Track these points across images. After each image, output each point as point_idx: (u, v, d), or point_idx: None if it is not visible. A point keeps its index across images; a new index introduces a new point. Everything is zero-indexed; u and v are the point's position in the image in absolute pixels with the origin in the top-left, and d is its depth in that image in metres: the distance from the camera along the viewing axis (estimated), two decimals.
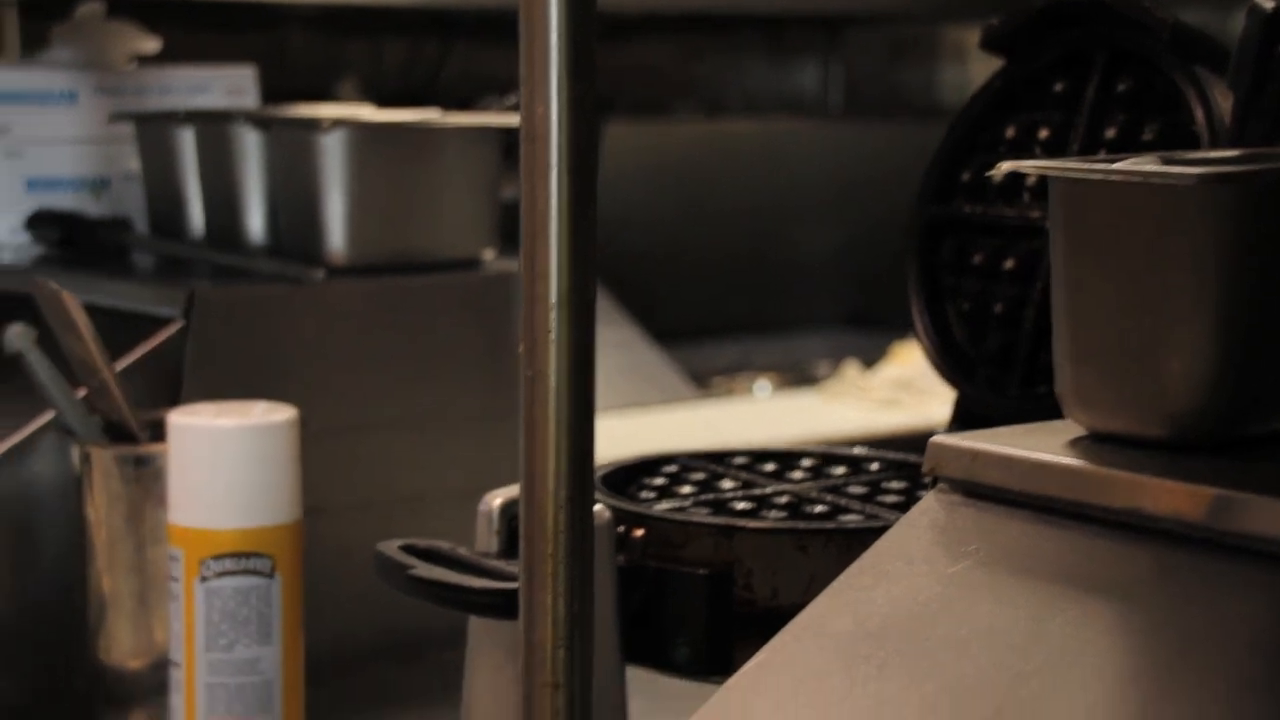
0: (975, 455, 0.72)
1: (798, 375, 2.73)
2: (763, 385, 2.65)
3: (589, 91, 0.62)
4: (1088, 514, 0.68)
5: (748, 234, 2.96)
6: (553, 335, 0.64)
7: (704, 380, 2.61)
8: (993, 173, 0.71)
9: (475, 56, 2.62)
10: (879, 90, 3.16)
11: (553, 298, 0.64)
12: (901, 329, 2.71)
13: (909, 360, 2.46)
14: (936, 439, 0.73)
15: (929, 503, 0.73)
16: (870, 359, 2.48)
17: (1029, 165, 0.72)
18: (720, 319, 2.90)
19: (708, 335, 2.83)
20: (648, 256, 2.76)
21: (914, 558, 0.70)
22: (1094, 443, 0.71)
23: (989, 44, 1.01)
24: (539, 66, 0.62)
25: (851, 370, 2.42)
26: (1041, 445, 0.71)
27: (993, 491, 0.71)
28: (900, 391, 2.30)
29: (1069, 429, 0.73)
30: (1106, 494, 0.68)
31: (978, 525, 0.70)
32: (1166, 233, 0.68)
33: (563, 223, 0.63)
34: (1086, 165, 0.69)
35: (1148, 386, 0.69)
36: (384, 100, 1.69)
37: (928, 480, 0.74)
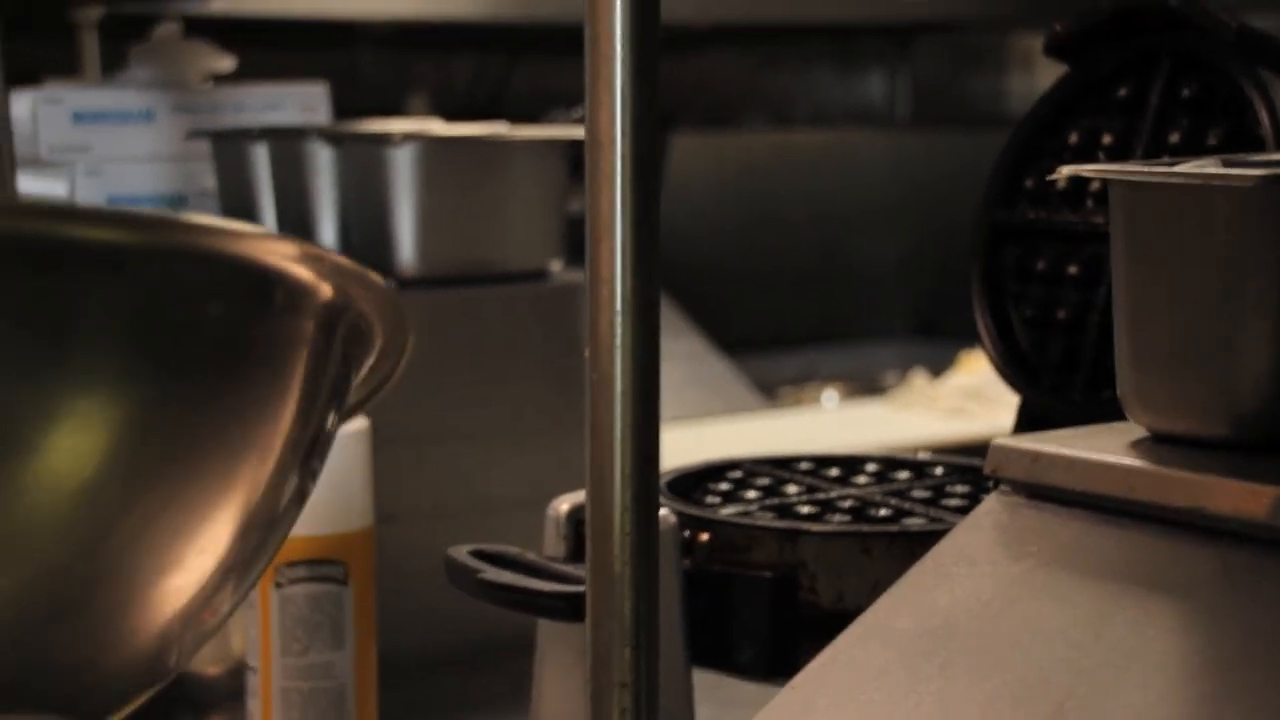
0: (1037, 457, 0.72)
1: (865, 385, 2.73)
2: (830, 395, 2.65)
3: (652, 98, 0.63)
4: (1149, 514, 0.69)
5: (816, 244, 2.96)
6: (617, 339, 0.65)
7: (771, 390, 2.62)
8: (1054, 177, 0.72)
9: (542, 70, 2.64)
10: (947, 99, 3.15)
11: (617, 303, 0.65)
12: (969, 338, 2.68)
13: (977, 369, 2.46)
14: (998, 441, 0.74)
15: (991, 504, 0.73)
16: (938, 368, 2.48)
17: (1089, 169, 0.73)
18: (788, 329, 2.91)
19: (775, 345, 2.83)
20: (715, 267, 2.77)
21: (976, 558, 0.71)
22: (1155, 443, 0.72)
23: (1053, 50, 1.01)
24: (603, 74, 0.63)
25: (919, 379, 2.41)
26: (1103, 446, 0.71)
27: (1054, 492, 0.72)
28: (968, 400, 2.30)
29: (1130, 430, 0.73)
30: (1168, 494, 0.68)
31: (1039, 526, 0.71)
32: (1229, 235, 0.68)
33: (626, 227, 0.64)
34: (1147, 169, 0.70)
35: (1210, 387, 0.70)
36: (453, 115, 1.71)
37: (990, 482, 0.75)
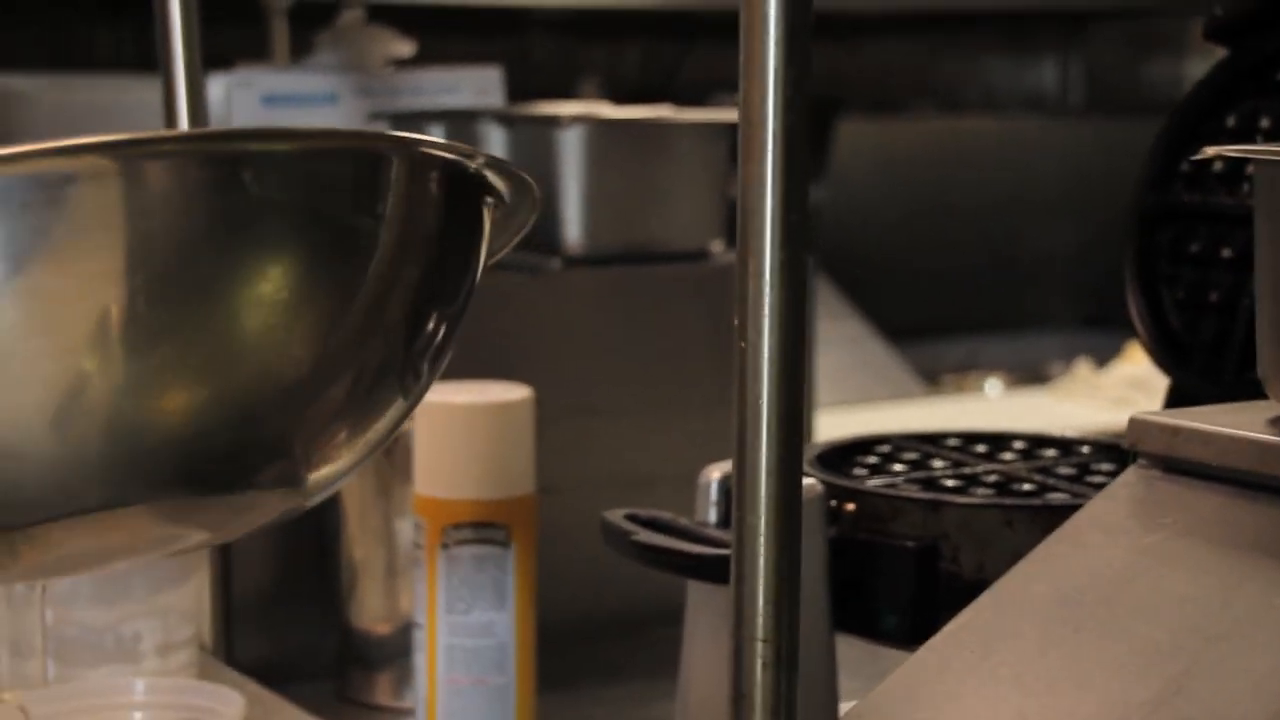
0: (1175, 431, 0.74)
1: (1030, 374, 2.72)
2: (993, 384, 2.65)
3: (800, 78, 0.66)
4: None
5: (982, 232, 2.95)
6: (766, 310, 0.68)
7: (934, 378, 2.62)
8: (1199, 158, 0.73)
9: (712, 56, 2.67)
10: (1122, 86, 3.12)
11: (766, 275, 0.68)
12: None
13: (1143, 359, 2.43)
14: (1137, 415, 0.76)
15: (1129, 477, 0.75)
16: (1104, 358, 2.46)
17: (1233, 150, 0.74)
18: (952, 317, 2.91)
19: (939, 333, 2.83)
20: (880, 254, 2.77)
21: (1112, 528, 0.73)
22: None
23: (1212, 35, 1.01)
24: (756, 56, 0.66)
25: (1084, 369, 2.40)
26: (1241, 422, 0.73)
27: (1191, 466, 0.73)
28: (1133, 390, 2.28)
29: (1271, 408, 0.74)
30: None
31: (1175, 498, 0.73)
32: None
33: (776, 199, 0.67)
34: None
35: None
36: (623, 100, 1.74)
37: (1130, 456, 0.76)
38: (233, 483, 0.63)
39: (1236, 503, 0.71)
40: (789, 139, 0.68)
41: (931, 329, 2.81)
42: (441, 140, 0.66)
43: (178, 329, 0.59)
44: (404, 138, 0.65)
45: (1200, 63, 3.07)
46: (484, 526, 1.04)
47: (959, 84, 3.03)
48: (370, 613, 1.17)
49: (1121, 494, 0.74)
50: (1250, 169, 0.99)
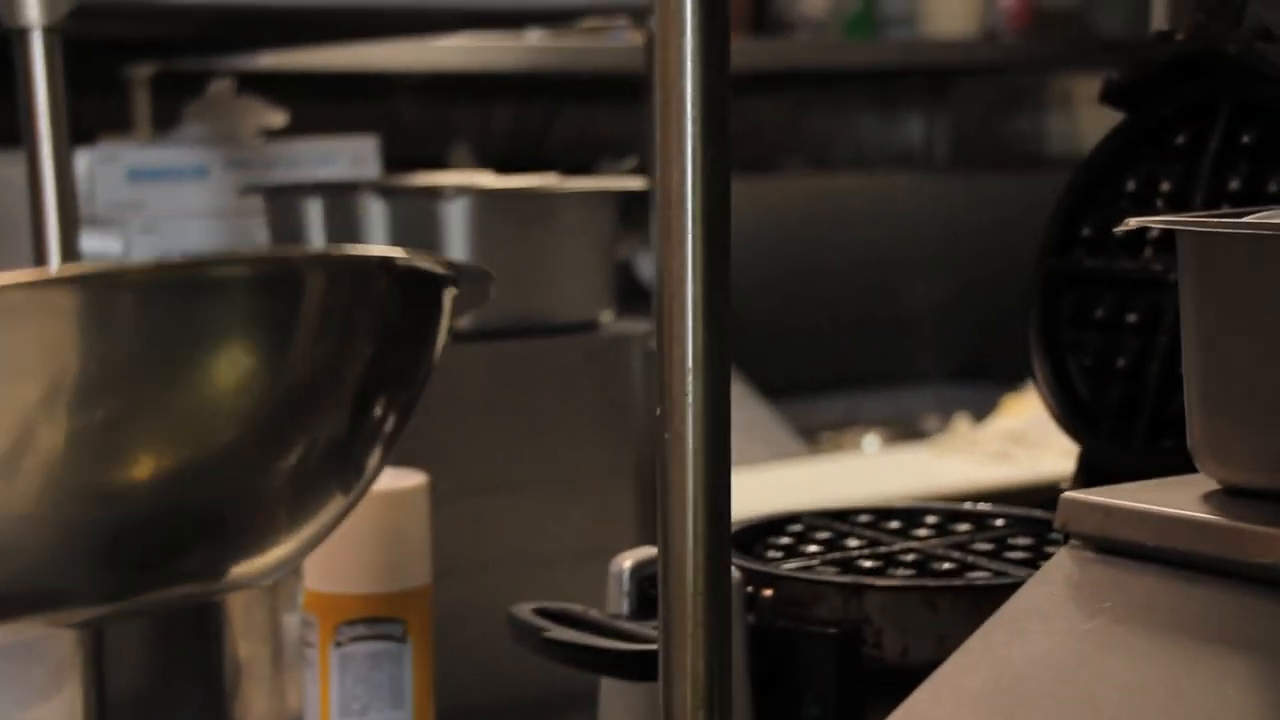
0: (1108, 510, 0.72)
1: (906, 429, 2.72)
2: (871, 440, 2.64)
3: (723, 156, 0.64)
4: (1224, 569, 0.68)
5: (855, 288, 2.96)
6: (689, 398, 0.65)
7: (812, 435, 2.61)
8: (1120, 229, 0.72)
9: (584, 118, 2.65)
10: (985, 142, 3.15)
11: (689, 361, 0.65)
12: (1011, 381, 2.70)
13: (1020, 413, 2.44)
14: (1068, 495, 0.74)
15: (1062, 559, 0.73)
16: (980, 412, 2.46)
17: (1158, 221, 0.72)
18: (827, 374, 2.90)
19: (815, 390, 2.83)
20: (754, 312, 2.77)
21: (1048, 614, 0.70)
22: (1229, 496, 0.71)
23: (1109, 98, 1.01)
24: (674, 132, 0.63)
25: (962, 424, 2.40)
26: (1175, 500, 0.71)
27: (1126, 547, 0.71)
28: (1012, 445, 2.28)
29: (1202, 483, 0.73)
30: (1243, 548, 0.67)
31: (1112, 581, 0.70)
32: None
33: (698, 287, 0.64)
34: (1216, 219, 0.69)
35: None
36: (495, 164, 1.71)
37: (1059, 536, 0.74)
38: (153, 572, 0.65)
39: (1175, 585, 0.69)
40: (710, 219, 0.65)
41: (808, 386, 2.81)
42: (407, 255, 0.68)
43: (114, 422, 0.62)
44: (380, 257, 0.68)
45: (1061, 118, 3.12)
46: (379, 622, 1.00)
47: (828, 141, 3.04)
48: (256, 714, 1.11)
49: (1055, 577, 0.72)
50: (1153, 233, 0.98)
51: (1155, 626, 0.68)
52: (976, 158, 3.12)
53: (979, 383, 2.82)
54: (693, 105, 0.63)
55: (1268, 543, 0.67)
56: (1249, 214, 0.70)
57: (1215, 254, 0.70)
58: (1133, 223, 0.72)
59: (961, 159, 3.10)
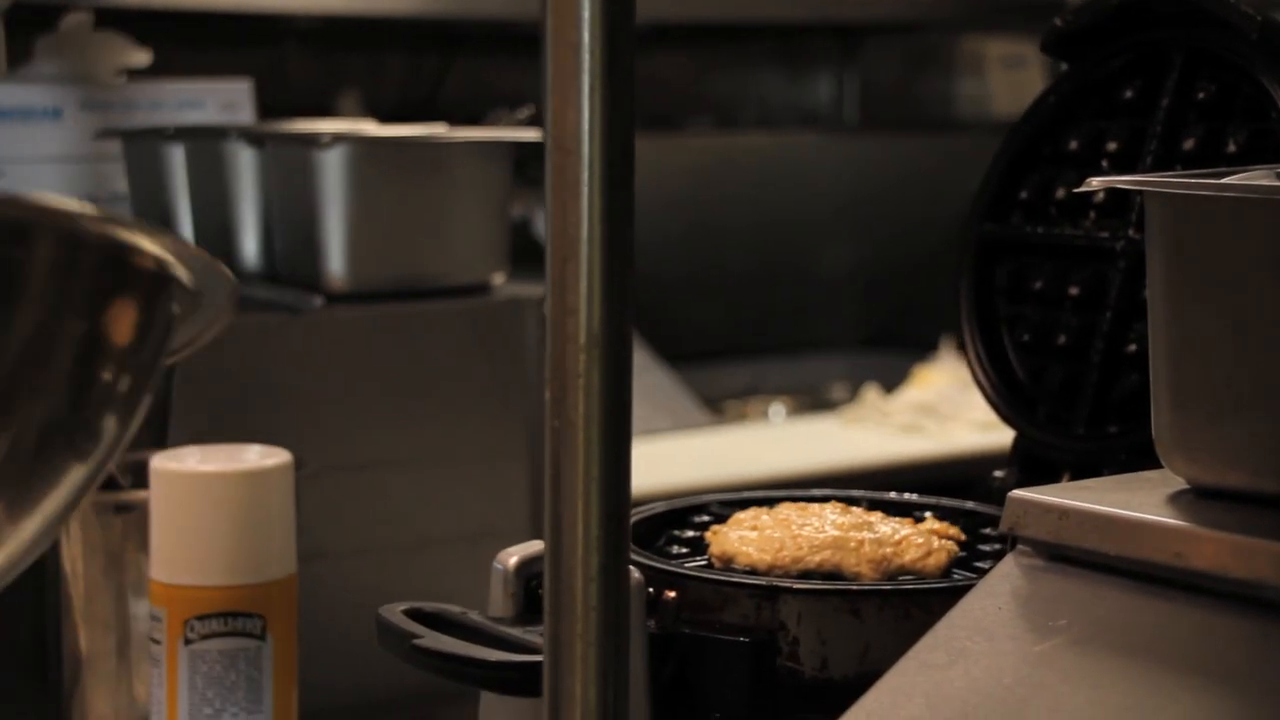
0: (1063, 513, 0.63)
1: (813, 399, 2.64)
2: (777, 409, 2.56)
3: (627, 95, 0.54)
4: (1197, 584, 0.59)
5: (761, 251, 2.87)
6: (582, 380, 0.55)
7: (716, 404, 2.52)
8: (1084, 189, 0.62)
9: (480, 69, 2.54)
10: (895, 102, 3.07)
11: (583, 337, 0.55)
12: (923, 351, 2.62)
13: (931, 384, 2.37)
14: (1016, 494, 0.65)
15: (1008, 567, 0.64)
16: (890, 382, 2.39)
17: (1125, 181, 0.63)
18: (733, 340, 2.81)
19: (720, 357, 2.74)
20: (657, 275, 2.67)
21: (994, 632, 0.61)
22: (1198, 498, 0.62)
23: (1051, 48, 0.92)
24: (568, 69, 0.53)
25: (871, 394, 2.33)
26: (1139, 502, 0.62)
27: (1083, 555, 0.62)
28: (923, 417, 2.21)
29: (1168, 481, 0.64)
30: (1220, 561, 0.59)
31: (1067, 595, 0.62)
32: None
33: (595, 248, 0.54)
34: (1195, 180, 0.60)
35: (1263, 434, 0.60)
36: (385, 115, 1.61)
37: (1006, 541, 0.65)
38: None
39: (1139, 600, 0.60)
40: (611, 170, 0.55)
41: (711, 353, 2.71)
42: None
43: None
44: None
45: (973, 80, 3.05)
46: (235, 617, 0.90)
47: (733, 99, 2.94)
48: (97, 711, 1.01)
49: (1002, 588, 0.63)
50: (1098, 197, 0.90)
51: (1117, 649, 0.59)
52: (887, 118, 3.04)
53: (889, 351, 2.75)
54: (590, 35, 0.53)
55: (1248, 554, 0.58)
56: (1229, 174, 0.61)
57: (1191, 221, 0.61)
58: (1095, 182, 0.63)
59: (871, 119, 3.02)
